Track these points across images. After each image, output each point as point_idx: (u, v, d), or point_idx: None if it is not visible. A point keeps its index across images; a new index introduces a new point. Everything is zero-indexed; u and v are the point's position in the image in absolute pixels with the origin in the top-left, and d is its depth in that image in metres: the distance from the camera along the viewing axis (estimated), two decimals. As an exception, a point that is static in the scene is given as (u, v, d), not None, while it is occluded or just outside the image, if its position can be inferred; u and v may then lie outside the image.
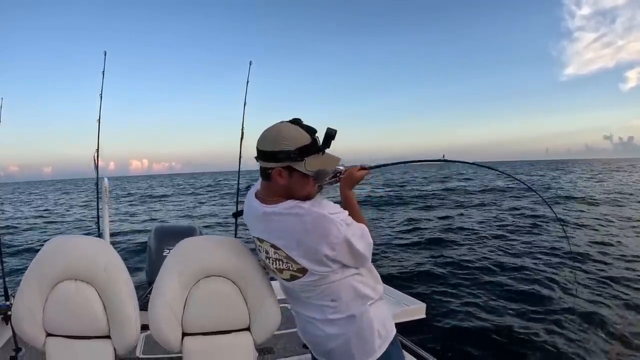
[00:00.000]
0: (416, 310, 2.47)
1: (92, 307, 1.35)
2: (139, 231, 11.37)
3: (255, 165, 1.23)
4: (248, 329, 1.48)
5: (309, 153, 1.10)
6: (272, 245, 1.21)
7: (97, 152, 3.16)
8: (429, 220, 12.10)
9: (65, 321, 1.34)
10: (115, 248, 1.52)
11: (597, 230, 9.77)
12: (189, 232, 2.82)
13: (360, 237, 1.17)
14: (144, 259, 3.04)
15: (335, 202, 1.23)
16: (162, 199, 26.27)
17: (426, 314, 2.51)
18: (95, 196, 3.30)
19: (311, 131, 1.13)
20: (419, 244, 8.75)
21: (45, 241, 1.44)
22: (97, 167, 3.15)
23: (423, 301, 2.53)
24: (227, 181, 49.37)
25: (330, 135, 1.11)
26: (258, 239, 1.28)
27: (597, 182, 27.32)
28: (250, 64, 3.29)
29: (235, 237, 2.91)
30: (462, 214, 13.21)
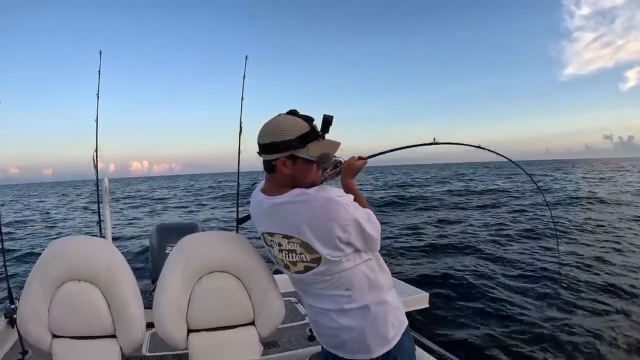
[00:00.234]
0: (419, 299, 2.47)
1: (96, 307, 1.35)
2: (141, 236, 11.33)
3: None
4: (252, 323, 1.49)
5: (309, 140, 1.14)
6: (285, 236, 1.20)
7: (96, 152, 3.16)
8: (430, 218, 12.12)
9: (70, 322, 1.35)
10: (118, 248, 1.52)
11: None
12: (190, 228, 2.82)
13: (368, 220, 1.19)
14: (147, 258, 3.05)
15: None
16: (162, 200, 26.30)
17: (429, 303, 2.52)
18: (96, 197, 3.30)
19: (308, 119, 1.17)
20: (420, 238, 8.75)
21: (48, 243, 1.44)
22: (96, 167, 3.14)
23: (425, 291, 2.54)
24: (227, 182, 49.26)
25: (328, 120, 1.15)
26: (268, 233, 1.27)
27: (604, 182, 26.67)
28: (246, 59, 3.30)
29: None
30: (463, 209, 13.19)
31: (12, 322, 2.27)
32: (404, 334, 1.28)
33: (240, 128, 3.19)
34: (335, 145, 1.21)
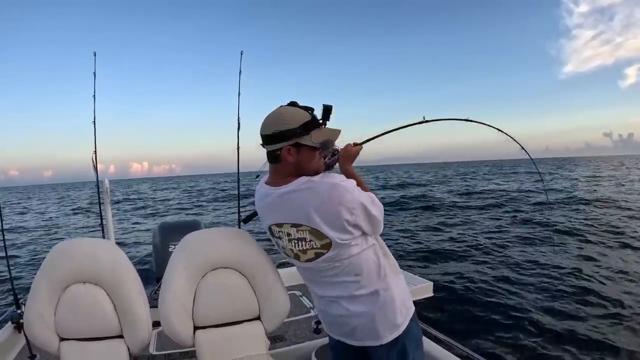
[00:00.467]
0: (424, 289, 2.48)
1: (102, 308, 1.35)
2: (143, 236, 11.31)
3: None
4: (258, 318, 1.50)
5: (311, 127, 1.18)
6: (294, 225, 1.22)
7: (95, 153, 3.15)
8: (429, 219, 12.10)
9: (77, 324, 1.35)
10: (121, 248, 1.52)
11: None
12: (193, 226, 2.81)
13: (372, 202, 1.22)
14: (151, 257, 3.05)
15: None
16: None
17: (433, 292, 2.53)
18: (97, 198, 3.30)
19: (309, 109, 1.21)
20: (424, 229, 8.71)
21: (53, 245, 1.44)
22: (96, 168, 3.14)
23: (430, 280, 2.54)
24: (227, 183, 49.11)
25: (328, 109, 1.20)
26: (276, 225, 1.27)
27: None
28: (241, 54, 3.31)
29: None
30: (462, 208, 13.13)
31: (19, 327, 2.28)
32: (411, 319, 1.30)
33: (239, 124, 3.19)
34: (336, 132, 1.24)
